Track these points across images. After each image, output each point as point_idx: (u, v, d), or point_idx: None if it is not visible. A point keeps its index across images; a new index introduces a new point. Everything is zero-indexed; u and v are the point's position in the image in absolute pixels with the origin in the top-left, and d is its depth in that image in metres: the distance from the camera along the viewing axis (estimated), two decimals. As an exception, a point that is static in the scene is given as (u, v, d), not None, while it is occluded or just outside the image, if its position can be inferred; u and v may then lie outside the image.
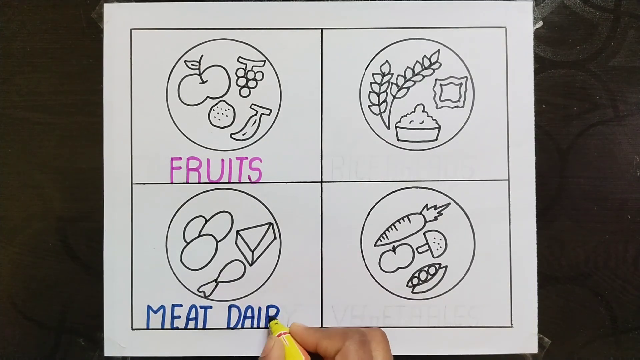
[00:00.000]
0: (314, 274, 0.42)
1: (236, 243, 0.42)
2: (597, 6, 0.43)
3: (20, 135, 0.42)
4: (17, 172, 0.42)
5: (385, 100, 0.42)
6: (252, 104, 0.42)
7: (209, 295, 0.42)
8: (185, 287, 0.42)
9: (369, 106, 0.42)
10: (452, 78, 0.42)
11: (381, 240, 0.42)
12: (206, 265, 0.42)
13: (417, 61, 0.42)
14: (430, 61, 0.42)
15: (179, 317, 0.42)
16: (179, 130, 0.42)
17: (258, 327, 0.42)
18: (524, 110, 0.42)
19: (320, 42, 0.42)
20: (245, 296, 0.42)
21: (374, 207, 0.42)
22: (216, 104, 0.42)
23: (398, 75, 0.42)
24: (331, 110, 0.42)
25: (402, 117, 0.42)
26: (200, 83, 0.42)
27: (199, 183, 0.42)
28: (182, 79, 0.42)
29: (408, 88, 0.42)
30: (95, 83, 0.42)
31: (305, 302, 0.42)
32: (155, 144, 0.42)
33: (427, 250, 0.42)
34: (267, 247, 0.42)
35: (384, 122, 0.42)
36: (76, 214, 0.42)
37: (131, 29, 0.42)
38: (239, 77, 0.42)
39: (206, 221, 0.42)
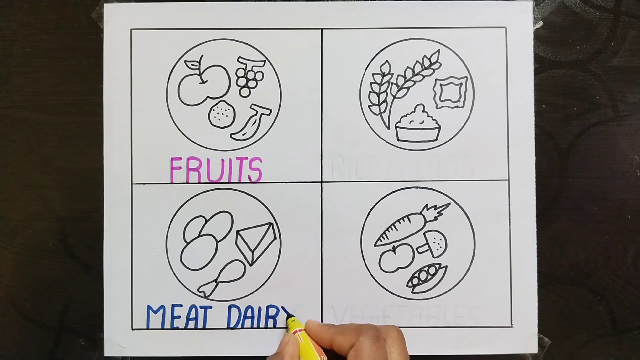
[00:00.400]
0: (314, 274, 0.42)
1: (236, 243, 0.42)
2: (597, 6, 0.43)
3: (20, 135, 0.42)
4: (17, 172, 0.42)
5: (385, 100, 0.42)
6: (252, 104, 0.42)
7: (209, 295, 0.42)
8: (185, 287, 0.42)
9: (369, 106, 0.42)
10: (452, 78, 0.42)
11: (381, 240, 0.42)
12: (206, 265, 0.42)
13: (417, 61, 0.42)
14: (430, 61, 0.42)
15: (179, 317, 0.42)
16: (179, 130, 0.42)
17: (258, 327, 0.42)
18: (524, 110, 0.42)
19: (320, 42, 0.42)
20: (245, 296, 0.42)
21: (374, 207, 0.42)
22: (216, 104, 0.42)
23: (398, 75, 0.42)
24: (331, 110, 0.42)
25: (402, 117, 0.42)
26: (200, 83, 0.42)
27: (199, 183, 0.42)
28: (182, 79, 0.42)
29: (408, 88, 0.42)
30: (95, 83, 0.42)
31: (305, 302, 0.42)
32: (155, 144, 0.42)
33: (427, 250, 0.42)
34: (267, 247, 0.42)
35: (384, 122, 0.42)
36: (76, 214, 0.42)
37: (131, 29, 0.42)
38: (239, 77, 0.42)
39: (206, 221, 0.42)
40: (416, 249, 0.42)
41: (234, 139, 0.42)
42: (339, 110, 0.42)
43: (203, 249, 0.42)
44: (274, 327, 0.42)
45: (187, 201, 0.42)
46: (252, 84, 0.42)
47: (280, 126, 0.42)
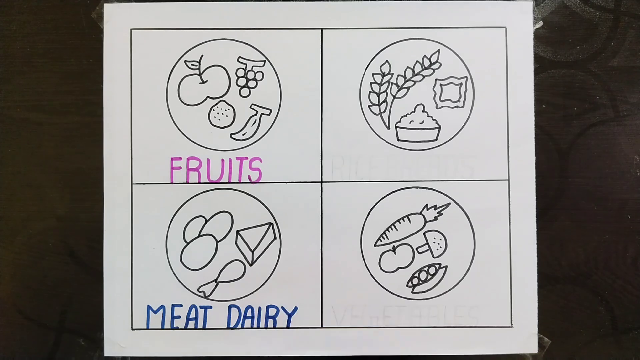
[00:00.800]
0: (314, 274, 0.42)
1: (236, 243, 0.42)
2: (597, 6, 0.43)
3: (20, 135, 0.42)
4: (17, 172, 0.42)
5: (385, 100, 0.42)
6: (252, 104, 0.42)
7: (209, 295, 0.42)
8: (185, 287, 0.42)
9: (369, 106, 0.42)
10: (452, 78, 0.42)
11: (381, 240, 0.42)
12: (206, 265, 0.42)
13: (417, 61, 0.42)
14: (430, 61, 0.42)
15: (179, 317, 0.42)
16: (179, 130, 0.42)
17: (258, 327, 0.42)
18: (524, 110, 0.42)
19: (320, 42, 0.42)
20: (245, 296, 0.42)
21: (374, 207, 0.42)
22: (216, 104, 0.42)
23: (398, 75, 0.42)
24: (331, 110, 0.42)
25: (402, 117, 0.42)
26: (200, 83, 0.42)
27: (199, 183, 0.42)
28: (182, 79, 0.42)
29: (408, 88, 0.42)
30: (95, 83, 0.42)
31: (305, 302, 0.42)
32: (155, 144, 0.42)
33: (427, 250, 0.42)
34: (267, 247, 0.42)
35: (384, 122, 0.42)
36: (76, 214, 0.42)
37: (131, 29, 0.42)
38: (239, 77, 0.42)
39: (206, 221, 0.42)
40: (416, 249, 0.42)
41: (234, 139, 0.42)
42: (339, 110, 0.42)
43: (203, 249, 0.42)
44: (274, 327, 0.42)
45: (187, 201, 0.42)
46: (252, 84, 0.42)
47: (280, 126, 0.42)
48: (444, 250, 0.42)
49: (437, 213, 0.42)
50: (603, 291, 0.43)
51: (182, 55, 0.42)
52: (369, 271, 0.42)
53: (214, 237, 0.42)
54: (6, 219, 0.42)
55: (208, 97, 0.42)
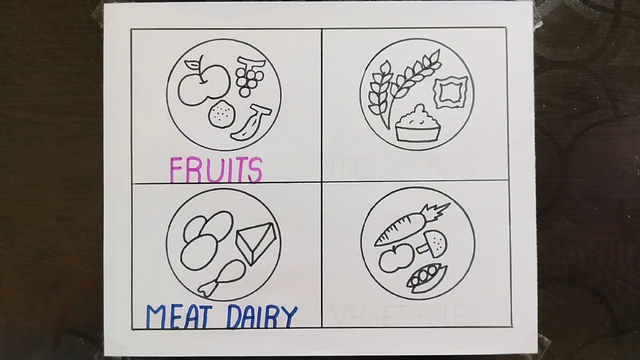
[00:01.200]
0: (314, 274, 0.42)
1: (236, 243, 0.42)
2: (597, 6, 0.43)
3: (20, 135, 0.42)
4: (17, 172, 0.42)
5: (385, 100, 0.42)
6: (252, 104, 0.42)
7: (209, 295, 0.42)
8: (185, 287, 0.42)
9: (369, 106, 0.42)
10: (452, 78, 0.42)
11: (381, 240, 0.42)
12: (206, 265, 0.42)
13: (417, 61, 0.42)
14: (430, 61, 0.42)
15: (179, 317, 0.42)
16: (179, 130, 0.42)
17: (258, 327, 0.42)
18: (524, 110, 0.42)
19: (320, 42, 0.42)
20: (245, 296, 0.42)
21: (374, 207, 0.42)
22: (216, 104, 0.42)
23: (398, 75, 0.42)
24: (331, 110, 0.42)
25: (402, 117, 0.42)
26: (200, 83, 0.42)
27: (199, 183, 0.42)
28: (182, 79, 0.42)
29: (408, 88, 0.42)
30: (95, 83, 0.42)
31: (305, 302, 0.42)
32: (155, 144, 0.42)
33: (427, 250, 0.42)
34: (267, 247, 0.42)
35: (384, 122, 0.42)
36: (76, 214, 0.42)
37: (131, 29, 0.42)
38: (239, 77, 0.42)
39: (206, 221, 0.42)
40: (416, 249, 0.42)
41: (234, 139, 0.42)
42: (339, 110, 0.42)
43: (203, 249, 0.42)
44: (274, 327, 0.42)
45: (187, 201, 0.42)
46: (252, 84, 0.42)
47: (280, 126, 0.42)
48: (444, 250, 0.42)
49: (437, 213, 0.42)
50: (603, 291, 0.43)
51: (182, 55, 0.42)
52: (369, 271, 0.42)
53: (214, 237, 0.42)
54: (6, 219, 0.42)
55: (208, 97, 0.42)
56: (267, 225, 0.42)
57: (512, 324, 0.42)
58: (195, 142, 0.42)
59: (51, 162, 0.42)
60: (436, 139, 0.42)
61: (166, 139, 0.42)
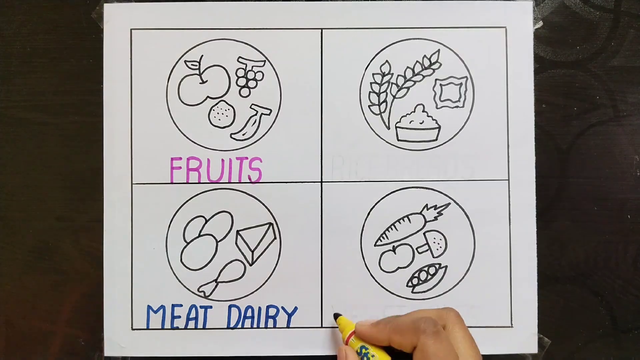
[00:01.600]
0: (314, 274, 0.42)
1: (236, 243, 0.42)
2: (597, 6, 0.43)
3: (20, 135, 0.42)
4: (17, 172, 0.42)
5: (385, 100, 0.42)
6: (252, 104, 0.42)
7: (209, 295, 0.42)
8: (185, 287, 0.42)
9: (369, 106, 0.42)
10: (452, 78, 0.42)
11: (381, 240, 0.42)
12: (206, 265, 0.42)
13: (417, 61, 0.42)
14: (430, 61, 0.42)
15: (179, 317, 0.42)
16: (179, 130, 0.42)
17: (258, 327, 0.42)
18: (524, 110, 0.42)
19: (320, 42, 0.42)
20: (245, 296, 0.42)
21: (374, 207, 0.42)
22: (216, 104, 0.42)
23: (398, 75, 0.42)
24: (331, 110, 0.42)
25: (402, 117, 0.42)
26: (200, 83, 0.42)
27: (199, 183, 0.42)
28: (182, 79, 0.42)
29: (408, 88, 0.42)
30: (95, 83, 0.42)
31: (305, 302, 0.42)
32: (155, 144, 0.42)
33: (427, 250, 0.42)
34: (267, 247, 0.42)
35: (384, 122, 0.42)
36: (76, 214, 0.42)
37: (131, 29, 0.42)
38: (239, 77, 0.42)
39: (206, 221, 0.42)
40: (416, 249, 0.42)
41: (234, 139, 0.42)
42: (339, 110, 0.42)
43: (203, 249, 0.42)
44: (274, 327, 0.42)
45: (187, 201, 0.42)
46: (252, 84, 0.42)
47: (280, 126, 0.42)
48: (444, 250, 0.42)
49: (437, 213, 0.42)
50: (603, 291, 0.43)
51: (182, 55, 0.42)
52: (369, 271, 0.42)
53: (214, 237, 0.42)
54: (6, 219, 0.42)
55: (208, 97, 0.42)
56: (267, 225, 0.42)
57: (512, 324, 0.42)
58: (195, 142, 0.42)
59: (51, 162, 0.42)
60: (436, 139, 0.42)
61: (166, 139, 0.42)
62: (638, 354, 0.43)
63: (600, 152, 0.43)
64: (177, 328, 0.42)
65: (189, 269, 0.42)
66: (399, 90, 0.42)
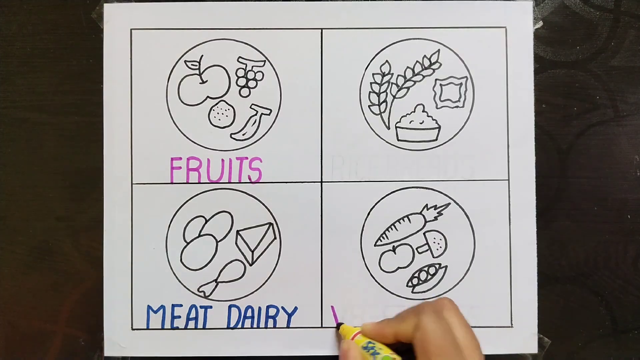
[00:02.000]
0: (314, 274, 0.42)
1: (236, 243, 0.42)
2: (597, 6, 0.43)
3: (20, 135, 0.42)
4: (17, 172, 0.42)
5: (385, 100, 0.42)
6: (252, 104, 0.42)
7: (209, 295, 0.42)
8: (185, 287, 0.42)
9: (369, 106, 0.42)
10: (452, 78, 0.42)
11: (381, 240, 0.42)
12: (206, 265, 0.42)
13: (417, 61, 0.42)
14: (430, 61, 0.42)
15: (179, 317, 0.42)
16: (179, 130, 0.42)
17: (258, 327, 0.42)
18: (524, 110, 0.42)
19: (320, 42, 0.42)
20: (245, 296, 0.42)
21: (374, 207, 0.42)
22: (216, 104, 0.42)
23: (398, 75, 0.42)
24: (331, 110, 0.42)
25: (402, 117, 0.42)
26: (200, 83, 0.42)
27: (199, 183, 0.42)
28: (182, 79, 0.42)
29: (408, 88, 0.42)
30: (95, 83, 0.42)
31: (305, 302, 0.42)
32: (155, 144, 0.42)
33: (427, 250, 0.42)
34: (267, 247, 0.42)
35: (384, 122, 0.42)
36: (76, 214, 0.42)
37: (131, 29, 0.42)
38: (239, 77, 0.42)
39: (206, 221, 0.42)
40: (416, 249, 0.42)
41: (234, 139, 0.42)
42: (339, 110, 0.42)
43: (203, 249, 0.42)
44: (274, 327, 0.42)
45: (187, 201, 0.42)
46: (252, 84, 0.42)
47: (280, 126, 0.42)
48: (444, 250, 0.42)
49: (437, 213, 0.42)
50: (603, 291, 0.43)
51: (182, 55, 0.42)
52: (369, 271, 0.42)
53: (214, 237, 0.42)
54: (6, 219, 0.42)
55: (208, 97, 0.42)
56: (267, 225, 0.42)
57: (512, 324, 0.42)
58: (195, 142, 0.42)
59: (51, 162, 0.42)
60: (436, 139, 0.42)
61: (166, 139, 0.42)
62: (638, 354, 0.43)
63: (600, 152, 0.43)
64: (177, 328, 0.42)
65: (189, 269, 0.42)
66: (399, 90, 0.42)
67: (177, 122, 0.42)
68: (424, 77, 0.42)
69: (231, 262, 0.42)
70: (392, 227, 0.42)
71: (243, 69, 0.42)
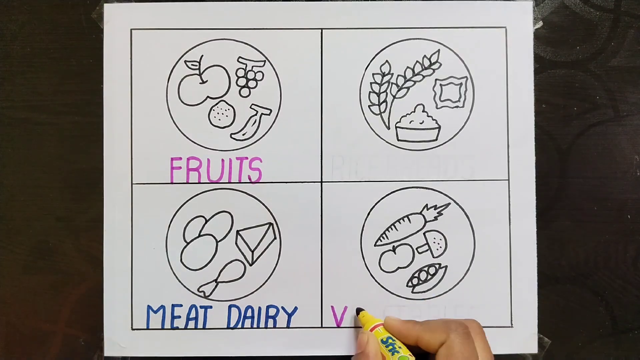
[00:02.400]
0: (314, 274, 0.42)
1: (236, 243, 0.42)
2: (597, 6, 0.43)
3: (20, 135, 0.42)
4: (17, 172, 0.42)
5: (385, 100, 0.42)
6: (252, 104, 0.42)
7: (209, 295, 0.42)
8: (185, 287, 0.42)
9: (369, 106, 0.42)
10: (452, 78, 0.42)
11: (381, 240, 0.42)
12: (206, 265, 0.42)
13: (417, 61, 0.42)
14: (430, 61, 0.42)
15: (179, 317, 0.42)
16: (179, 130, 0.42)
17: (258, 327, 0.42)
18: (524, 110, 0.42)
19: (320, 42, 0.42)
20: (245, 296, 0.42)
21: (374, 207, 0.42)
22: (216, 104, 0.42)
23: (398, 75, 0.42)
24: (331, 110, 0.42)
25: (402, 117, 0.42)
26: (200, 83, 0.42)
27: (199, 183, 0.42)
28: (182, 79, 0.42)
29: (408, 88, 0.42)
30: (95, 83, 0.42)
31: (305, 302, 0.42)
32: (155, 144, 0.42)
33: (427, 250, 0.42)
34: (267, 247, 0.42)
35: (384, 122, 0.42)
36: (76, 214, 0.42)
37: (131, 29, 0.42)
38: (239, 77, 0.42)
39: (206, 221, 0.42)
40: (416, 249, 0.42)
41: (234, 139, 0.42)
42: (339, 110, 0.42)
43: (203, 249, 0.42)
44: (274, 327, 0.42)
45: (187, 201, 0.42)
46: (252, 84, 0.42)
47: (280, 126, 0.42)
48: (444, 250, 0.42)
49: (437, 213, 0.42)
50: (603, 291, 0.43)
51: (182, 55, 0.42)
52: (369, 271, 0.42)
53: (214, 237, 0.42)
54: (6, 219, 0.42)
55: (208, 97, 0.42)
56: (267, 225, 0.42)
57: (512, 324, 0.42)
58: (195, 142, 0.42)
59: (51, 162, 0.42)
60: (436, 139, 0.42)
61: (166, 139, 0.42)
62: (638, 354, 0.43)
63: (600, 152, 0.43)
64: (177, 328, 0.42)
65: (189, 269, 0.42)
66: (399, 90, 0.42)
67: (177, 122, 0.42)
68: (424, 77, 0.42)
69: (231, 262, 0.42)
70: (392, 227, 0.42)
71: (243, 69, 0.42)
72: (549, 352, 0.42)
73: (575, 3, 0.43)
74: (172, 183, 0.42)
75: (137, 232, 0.42)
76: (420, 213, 0.42)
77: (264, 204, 0.42)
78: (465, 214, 0.42)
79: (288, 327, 0.42)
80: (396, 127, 0.42)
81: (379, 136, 0.42)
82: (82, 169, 0.42)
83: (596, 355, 0.43)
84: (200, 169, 0.42)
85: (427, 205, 0.42)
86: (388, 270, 0.42)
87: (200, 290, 0.42)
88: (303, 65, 0.42)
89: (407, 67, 0.42)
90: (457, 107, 0.42)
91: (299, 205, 0.42)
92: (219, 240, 0.42)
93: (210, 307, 0.42)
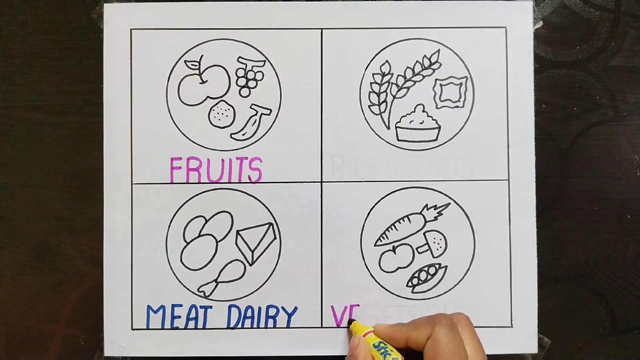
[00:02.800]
0: (314, 274, 0.42)
1: (236, 243, 0.42)
2: (597, 6, 0.43)
3: (20, 135, 0.42)
4: (17, 172, 0.42)
5: (385, 100, 0.42)
6: (252, 104, 0.42)
7: (209, 295, 0.42)
8: (185, 287, 0.42)
9: (369, 106, 0.42)
10: (452, 78, 0.42)
11: (381, 240, 0.42)
12: (206, 265, 0.42)
13: (417, 61, 0.42)
14: (430, 61, 0.42)
15: (179, 317, 0.42)
16: (179, 130, 0.42)
17: (258, 327, 0.42)
18: (524, 110, 0.42)
19: (320, 42, 0.42)
20: (245, 296, 0.42)
21: (374, 207, 0.42)
22: (216, 104, 0.42)
23: (398, 75, 0.42)
24: (331, 110, 0.42)
25: (402, 117, 0.42)
26: (200, 83, 0.42)
27: (199, 183, 0.42)
28: (182, 79, 0.42)
29: (408, 88, 0.42)
30: (95, 83, 0.42)
31: (305, 302, 0.42)
32: (155, 144, 0.42)
33: (427, 250, 0.42)
34: (267, 247, 0.42)
35: (384, 122, 0.42)
36: (76, 214, 0.42)
37: (131, 29, 0.42)
38: (239, 77, 0.42)
39: (206, 221, 0.42)
40: (416, 249, 0.42)
41: (234, 139, 0.42)
42: (339, 110, 0.42)
43: (203, 249, 0.42)
44: (274, 327, 0.42)
45: (187, 201, 0.42)
46: (252, 84, 0.42)
47: (280, 126, 0.42)
48: (444, 250, 0.42)
49: (437, 213, 0.42)
50: (603, 291, 0.43)
51: (182, 55, 0.42)
52: (369, 271, 0.42)
53: (214, 237, 0.42)
54: (6, 219, 0.42)
55: (208, 97, 0.42)
56: (267, 225, 0.42)
57: (512, 324, 0.42)
58: (195, 142, 0.42)
59: (51, 162, 0.42)
60: (436, 139, 0.42)
61: (166, 139, 0.42)
62: (638, 354, 0.43)
63: (600, 152, 0.43)
64: (177, 328, 0.42)
65: (189, 269, 0.42)
66: (399, 90, 0.42)
67: (177, 122, 0.42)
68: (424, 77, 0.42)
69: (231, 262, 0.42)
70: (392, 227, 0.42)
71: (243, 69, 0.42)
72: (549, 352, 0.42)
73: (575, 3, 0.43)
74: (172, 183, 0.42)
75: (137, 232, 0.42)
76: (420, 213, 0.42)
77: (264, 204, 0.42)
78: (465, 214, 0.42)
79: (288, 327, 0.42)
80: (396, 127, 0.42)
81: (379, 136, 0.42)
82: (82, 169, 0.42)
83: (596, 355, 0.43)
84: (200, 169, 0.42)
85: (427, 205, 0.42)
86: (388, 270, 0.42)
87: (200, 290, 0.42)
88: (303, 65, 0.42)
89: (407, 67, 0.42)
90: (457, 107, 0.42)
91: (299, 205, 0.42)
92: (219, 240, 0.42)
93: (210, 307, 0.42)
